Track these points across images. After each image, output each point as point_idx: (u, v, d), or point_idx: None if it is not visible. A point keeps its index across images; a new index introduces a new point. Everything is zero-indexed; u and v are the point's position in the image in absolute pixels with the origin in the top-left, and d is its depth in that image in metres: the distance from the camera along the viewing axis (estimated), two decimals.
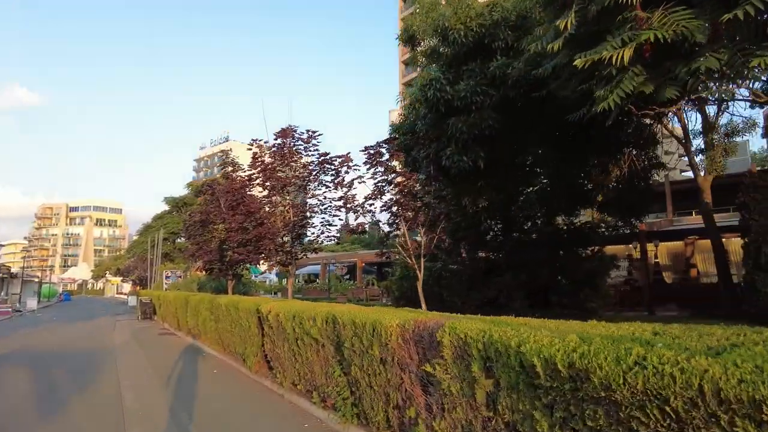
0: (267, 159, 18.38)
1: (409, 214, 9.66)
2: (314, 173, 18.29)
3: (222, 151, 27.15)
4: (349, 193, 11.33)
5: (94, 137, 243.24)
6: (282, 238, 17.73)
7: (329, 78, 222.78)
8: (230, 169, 25.64)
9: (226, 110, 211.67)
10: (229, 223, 19.82)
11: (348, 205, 11.31)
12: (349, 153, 11.55)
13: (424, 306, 10.18)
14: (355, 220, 12.17)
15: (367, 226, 11.46)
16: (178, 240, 54.52)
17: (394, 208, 9.97)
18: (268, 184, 18.48)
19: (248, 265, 25.98)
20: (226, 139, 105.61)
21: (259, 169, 18.31)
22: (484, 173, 11.40)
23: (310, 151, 18.73)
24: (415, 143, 11.43)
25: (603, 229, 20.84)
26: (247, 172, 19.50)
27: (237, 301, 14.12)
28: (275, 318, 10.34)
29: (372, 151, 10.43)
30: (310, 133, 18.66)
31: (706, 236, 31.48)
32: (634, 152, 15.43)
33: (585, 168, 13.80)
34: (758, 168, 32.86)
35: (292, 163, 18.51)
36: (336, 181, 12.37)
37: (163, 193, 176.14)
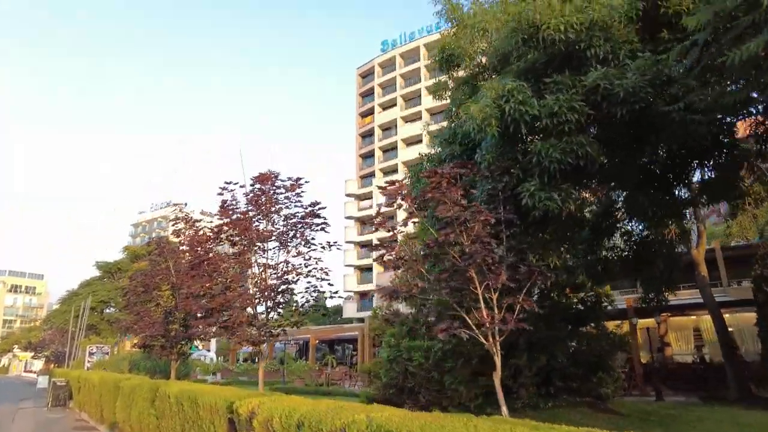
0: (241, 207, 14.66)
1: (489, 272, 6.47)
2: (300, 228, 14.72)
3: (175, 205, 22.81)
4: (391, 240, 8.02)
5: (11, 192, 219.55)
6: (255, 308, 13.65)
7: (282, 147, 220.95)
8: (182, 225, 21.45)
9: (168, 173, 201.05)
10: (188, 287, 15.44)
11: (389, 257, 7.89)
12: (403, 179, 8.32)
13: (504, 410, 6.71)
14: (397, 278, 8.87)
15: (417, 289, 7.92)
16: (108, 310, 47.41)
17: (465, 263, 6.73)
18: (238, 238, 14.64)
19: (188, 342, 21.11)
20: (168, 204, 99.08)
21: (231, 219, 14.48)
22: (555, 220, 8.50)
23: (292, 200, 15.29)
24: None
25: (606, 304, 18.41)
26: (216, 222, 15.51)
27: (195, 392, 9.77)
28: (265, 426, 6.46)
29: (443, 172, 7.19)
30: (295, 180, 15.32)
31: (682, 313, 29.91)
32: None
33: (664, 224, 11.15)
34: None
35: (272, 215, 14.90)
36: (376, 222, 8.91)
37: (94, 258, 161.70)
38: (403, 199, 8.05)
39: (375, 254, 8.13)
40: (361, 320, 58.35)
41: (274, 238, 14.04)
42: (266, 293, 13.48)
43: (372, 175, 65.05)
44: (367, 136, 67.30)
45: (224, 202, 15.19)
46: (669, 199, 9.56)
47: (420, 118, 61.55)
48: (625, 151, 8.37)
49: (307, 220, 14.56)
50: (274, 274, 14.46)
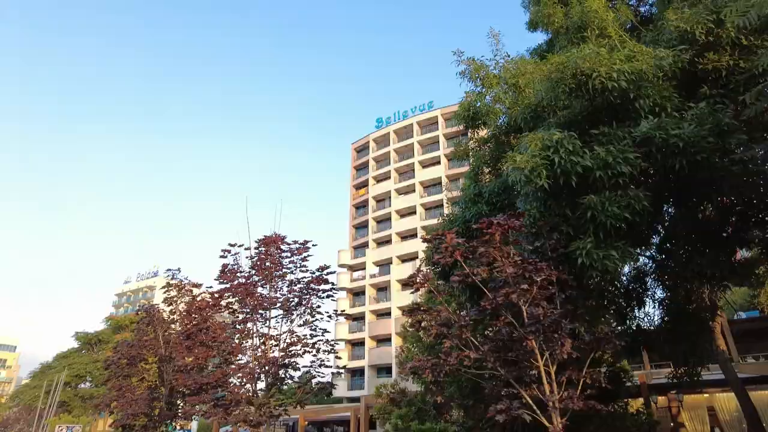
0: (244, 270, 13.55)
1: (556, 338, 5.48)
2: (306, 294, 13.58)
3: (168, 270, 21.40)
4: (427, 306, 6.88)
5: None
6: (255, 384, 12.13)
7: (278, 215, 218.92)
8: (174, 293, 20.17)
9: (156, 243, 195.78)
10: (182, 358, 13.91)
11: (426, 323, 6.74)
12: (451, 231, 7.21)
13: None
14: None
15: (470, 361, 6.68)
16: (83, 385, 44.06)
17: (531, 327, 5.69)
18: (239, 305, 13.40)
19: (171, 422, 19.01)
20: (155, 274, 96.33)
21: (232, 284, 13.31)
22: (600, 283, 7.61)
23: (298, 265, 14.25)
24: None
25: (625, 380, 17.03)
26: (217, 287, 14.27)
27: None
28: None
29: (499, 222, 6.29)
30: (301, 244, 14.39)
31: (695, 390, 28.16)
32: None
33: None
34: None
35: (276, 280, 13.79)
36: (418, 281, 7.78)
37: (74, 329, 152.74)
38: (452, 255, 7.09)
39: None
40: (353, 400, 54.73)
41: (279, 305, 12.86)
42: (267, 367, 12.05)
43: (365, 245, 64.23)
44: (360, 207, 67.31)
45: (225, 266, 14.12)
46: (726, 260, 8.78)
47: (414, 191, 61.95)
48: (678, 206, 7.73)
49: (313, 286, 13.48)
50: (276, 345, 13.12)
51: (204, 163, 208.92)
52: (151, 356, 19.17)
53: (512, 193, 8.69)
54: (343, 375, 60.28)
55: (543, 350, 5.88)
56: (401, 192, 63.36)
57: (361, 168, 69.20)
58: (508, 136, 9.92)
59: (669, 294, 11.14)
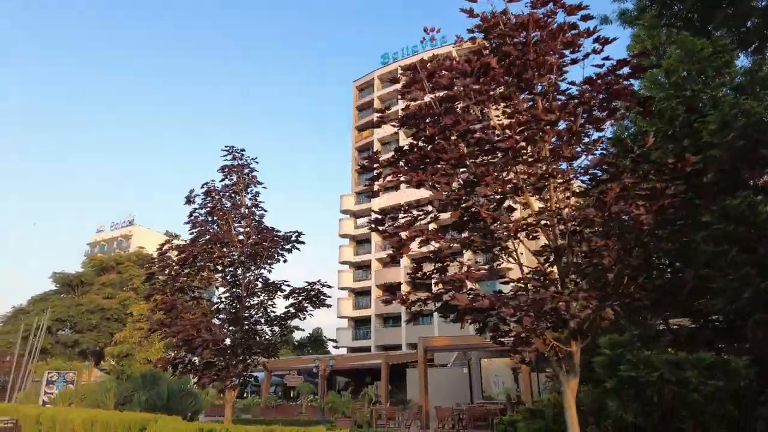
0: None
1: None
2: None
3: (228, 147, 13.88)
4: None
5: None
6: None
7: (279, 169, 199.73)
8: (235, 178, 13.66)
9: (129, 190, 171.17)
10: None
11: None
12: None
13: None
14: None
15: None
16: (63, 331, 36.14)
17: None
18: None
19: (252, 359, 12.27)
20: (131, 223, 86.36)
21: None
22: None
23: None
24: None
25: None
26: None
27: None
28: None
29: None
30: None
31: None
32: None
33: None
34: None
35: None
36: None
37: (43, 274, 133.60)
38: None
39: None
40: (362, 349, 49.18)
41: None
42: None
43: (370, 190, 57.51)
44: (364, 149, 60.24)
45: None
46: None
47: None
48: None
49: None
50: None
51: (178, 109, 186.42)
52: (219, 259, 12.38)
53: None
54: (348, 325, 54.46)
55: None
56: (410, 133, 56.79)
57: (365, 108, 61.70)
58: None
59: None
